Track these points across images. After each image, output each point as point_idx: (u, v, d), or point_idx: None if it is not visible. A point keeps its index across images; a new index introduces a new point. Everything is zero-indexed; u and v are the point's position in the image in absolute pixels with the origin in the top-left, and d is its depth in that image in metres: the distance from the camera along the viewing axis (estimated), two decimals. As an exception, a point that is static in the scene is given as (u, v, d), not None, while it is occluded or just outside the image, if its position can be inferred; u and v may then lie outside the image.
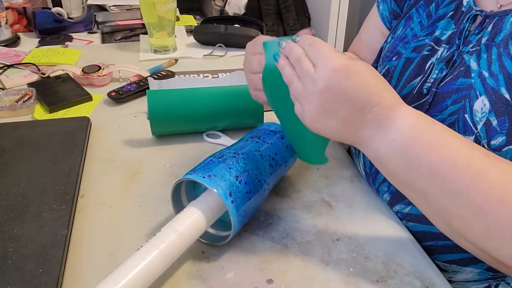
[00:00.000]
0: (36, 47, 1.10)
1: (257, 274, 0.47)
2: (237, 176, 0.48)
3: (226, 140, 0.70)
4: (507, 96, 0.43)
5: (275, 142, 0.56)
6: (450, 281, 0.53)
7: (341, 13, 1.72)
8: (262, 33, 1.12)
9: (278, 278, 0.46)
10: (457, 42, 0.51)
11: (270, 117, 0.76)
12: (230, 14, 1.85)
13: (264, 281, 0.46)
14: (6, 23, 1.10)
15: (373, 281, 0.46)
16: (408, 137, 0.40)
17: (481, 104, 0.45)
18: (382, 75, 0.60)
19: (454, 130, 0.48)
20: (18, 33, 1.16)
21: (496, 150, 0.44)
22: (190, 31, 1.21)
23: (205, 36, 1.09)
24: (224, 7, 1.86)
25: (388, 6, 0.67)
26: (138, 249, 0.42)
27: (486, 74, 0.46)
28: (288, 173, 0.62)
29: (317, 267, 0.47)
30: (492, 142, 0.44)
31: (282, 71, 0.45)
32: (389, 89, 0.42)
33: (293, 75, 0.43)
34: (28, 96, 0.80)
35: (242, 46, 1.09)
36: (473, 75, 0.47)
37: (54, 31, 1.17)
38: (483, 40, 0.48)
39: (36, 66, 0.94)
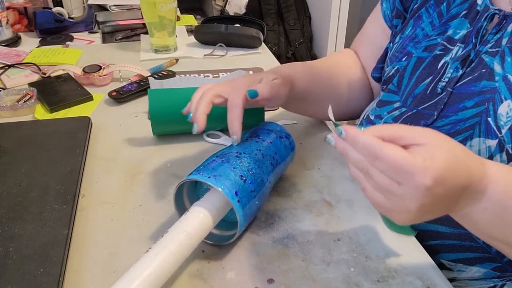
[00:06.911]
0: (37, 47, 1.10)
1: (258, 273, 0.47)
2: (241, 176, 0.48)
3: (226, 140, 0.69)
4: None
5: (274, 141, 0.56)
6: (455, 280, 0.53)
7: (341, 13, 1.72)
8: (263, 33, 1.11)
9: (278, 277, 0.46)
10: (473, 41, 0.51)
11: (270, 116, 0.76)
12: (231, 13, 1.85)
13: (265, 280, 0.46)
14: (7, 23, 1.10)
15: (374, 281, 0.46)
16: (500, 204, 0.39)
17: (507, 109, 0.45)
18: (391, 75, 0.60)
19: (475, 133, 0.47)
20: (19, 33, 1.16)
21: None
22: (190, 30, 1.21)
23: (206, 35, 1.09)
24: (225, 6, 1.87)
25: (390, 4, 0.66)
26: (147, 250, 0.42)
27: (511, 78, 0.46)
28: (289, 173, 0.62)
29: (318, 267, 0.47)
30: None
31: (346, 160, 0.40)
32: (476, 162, 0.39)
33: (364, 181, 0.39)
34: (29, 96, 0.80)
35: (242, 46, 1.09)
36: (497, 78, 0.47)
37: (55, 31, 1.17)
38: (504, 42, 0.48)
39: (37, 66, 0.94)
